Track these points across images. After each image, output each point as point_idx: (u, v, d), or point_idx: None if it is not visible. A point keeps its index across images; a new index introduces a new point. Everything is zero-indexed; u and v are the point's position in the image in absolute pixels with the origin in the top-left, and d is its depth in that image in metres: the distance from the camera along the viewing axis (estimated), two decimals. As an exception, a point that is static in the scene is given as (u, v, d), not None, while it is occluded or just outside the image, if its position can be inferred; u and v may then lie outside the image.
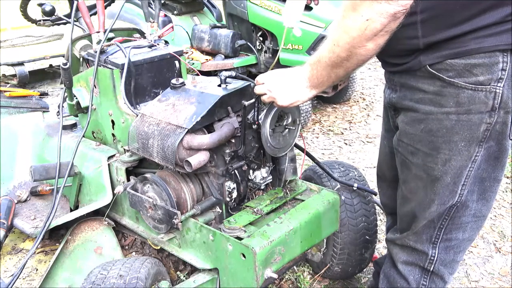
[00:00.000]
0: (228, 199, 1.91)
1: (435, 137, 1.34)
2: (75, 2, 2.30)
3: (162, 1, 4.80)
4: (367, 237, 2.12)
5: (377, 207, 2.89)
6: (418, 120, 1.37)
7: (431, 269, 1.54)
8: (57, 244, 2.42)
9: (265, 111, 1.80)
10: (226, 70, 3.16)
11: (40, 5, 2.51)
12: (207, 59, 4.51)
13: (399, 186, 1.59)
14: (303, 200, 2.02)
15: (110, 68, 2.11)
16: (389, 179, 1.81)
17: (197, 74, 2.20)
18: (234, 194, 1.92)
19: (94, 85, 2.15)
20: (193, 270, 2.18)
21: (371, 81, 5.90)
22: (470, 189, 1.39)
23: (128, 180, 2.06)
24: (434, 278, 1.56)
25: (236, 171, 1.89)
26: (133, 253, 2.42)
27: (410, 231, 1.54)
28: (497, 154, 1.35)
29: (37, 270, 2.28)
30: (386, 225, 2.03)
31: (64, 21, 2.63)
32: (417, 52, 1.30)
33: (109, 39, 2.27)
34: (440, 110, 1.31)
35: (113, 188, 2.09)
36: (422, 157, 1.40)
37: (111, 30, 2.32)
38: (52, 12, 2.52)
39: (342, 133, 4.34)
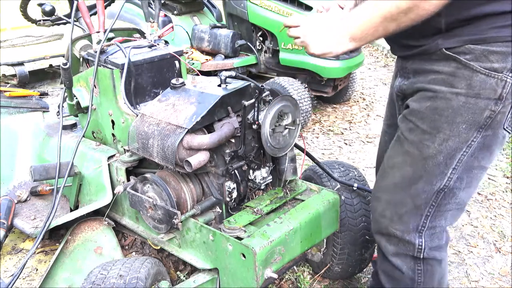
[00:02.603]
0: (228, 199, 1.91)
1: (439, 115, 1.37)
2: (75, 2, 2.30)
3: (162, 1, 4.80)
4: (367, 237, 2.12)
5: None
6: (426, 98, 1.39)
7: (421, 256, 1.55)
8: (57, 244, 2.42)
9: (265, 111, 1.80)
10: (226, 70, 3.16)
11: (40, 5, 2.51)
12: (207, 59, 4.51)
13: (382, 163, 1.59)
14: (303, 200, 2.02)
15: (110, 68, 2.11)
16: None
17: (197, 74, 2.20)
18: (234, 194, 1.92)
19: (94, 85, 2.15)
20: (193, 270, 2.18)
21: (371, 81, 5.90)
22: (459, 176, 1.42)
23: (128, 180, 2.06)
24: (428, 261, 1.57)
25: (236, 171, 1.89)
26: (133, 253, 2.42)
27: (395, 215, 1.53)
28: (490, 142, 1.38)
29: (37, 270, 2.28)
30: None
31: (64, 21, 2.63)
32: (437, 35, 1.32)
33: (109, 39, 2.27)
34: (451, 90, 1.33)
35: (113, 188, 2.09)
36: (420, 135, 1.42)
37: (111, 30, 2.32)
38: (52, 12, 2.52)
39: (342, 133, 4.34)
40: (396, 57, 1.61)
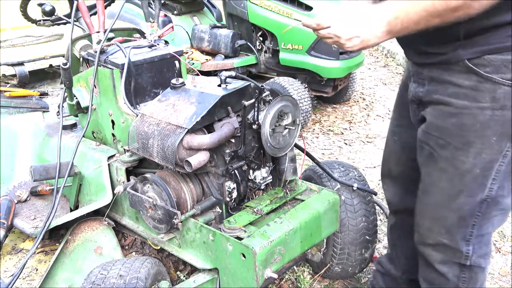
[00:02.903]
0: (228, 199, 1.91)
1: (467, 131, 1.34)
2: (75, 2, 2.30)
3: (162, 1, 4.80)
4: (367, 237, 2.12)
5: (377, 207, 2.90)
6: (450, 114, 1.37)
7: (468, 263, 1.54)
8: (57, 244, 2.42)
9: (265, 111, 1.80)
10: (226, 70, 3.16)
11: (40, 5, 2.51)
12: (207, 59, 4.51)
13: (421, 181, 1.57)
14: (303, 200, 2.02)
15: (110, 68, 2.11)
16: (395, 175, 1.80)
17: (197, 74, 2.20)
18: (234, 194, 1.92)
19: (94, 85, 2.15)
20: (193, 270, 2.18)
21: (371, 81, 5.89)
22: (500, 185, 1.40)
23: (128, 180, 2.06)
24: (473, 268, 1.56)
25: (236, 171, 1.89)
26: (133, 253, 2.42)
27: (442, 228, 1.52)
28: None
29: (37, 270, 2.28)
30: (388, 223, 2.03)
31: (64, 21, 2.63)
32: (456, 43, 1.30)
33: (109, 39, 2.27)
34: (475, 104, 1.31)
35: (113, 188, 2.09)
36: (452, 151, 1.40)
37: (111, 30, 2.32)
38: (52, 12, 2.52)
39: (342, 133, 4.34)
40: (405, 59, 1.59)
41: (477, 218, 1.46)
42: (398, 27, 1.28)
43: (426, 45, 1.39)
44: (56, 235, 2.48)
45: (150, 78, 2.18)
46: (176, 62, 2.26)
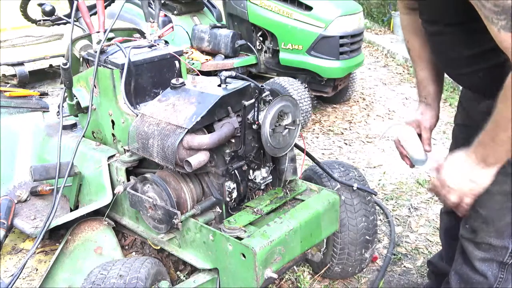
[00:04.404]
0: (228, 199, 1.91)
1: None
2: (75, 2, 2.30)
3: (162, 1, 4.80)
4: (367, 237, 2.12)
5: (377, 207, 2.90)
6: None
7: (510, 261, 1.53)
8: (57, 244, 2.42)
9: (265, 111, 1.80)
10: (226, 70, 3.16)
11: (40, 5, 2.51)
12: (207, 59, 4.51)
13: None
14: (303, 200, 2.02)
15: (110, 68, 2.11)
16: None
17: (197, 74, 2.21)
18: (234, 194, 1.92)
19: (94, 85, 2.15)
20: (193, 270, 2.18)
21: (371, 81, 5.90)
22: None
23: (128, 180, 2.06)
24: (510, 268, 1.56)
25: (236, 171, 1.89)
26: (133, 253, 2.42)
27: (492, 228, 1.50)
28: None
29: (37, 270, 2.28)
30: (441, 223, 1.99)
31: (64, 21, 2.63)
32: None
33: (109, 39, 2.27)
34: None
35: (113, 188, 2.09)
36: None
37: (111, 30, 2.32)
38: (52, 12, 2.52)
39: (342, 133, 4.34)
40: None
41: None
42: (493, 161, 1.30)
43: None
44: (56, 235, 2.48)
45: (150, 78, 2.18)
46: (176, 62, 2.26)
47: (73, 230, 2.20)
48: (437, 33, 1.45)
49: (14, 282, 1.74)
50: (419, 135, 1.67)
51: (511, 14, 1.07)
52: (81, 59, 2.35)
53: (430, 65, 1.65)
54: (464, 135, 1.61)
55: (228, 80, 1.84)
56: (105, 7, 2.54)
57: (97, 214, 2.25)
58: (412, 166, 1.70)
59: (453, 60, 1.45)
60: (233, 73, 1.83)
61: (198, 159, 1.70)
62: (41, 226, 1.97)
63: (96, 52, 2.15)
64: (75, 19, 2.31)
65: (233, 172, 1.88)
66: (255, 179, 1.98)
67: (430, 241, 2.71)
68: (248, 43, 4.57)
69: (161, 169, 2.00)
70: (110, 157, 2.15)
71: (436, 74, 1.66)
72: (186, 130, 1.69)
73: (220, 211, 1.92)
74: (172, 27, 2.42)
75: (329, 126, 4.50)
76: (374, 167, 3.66)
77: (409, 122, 1.70)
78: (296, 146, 2.11)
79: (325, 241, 2.13)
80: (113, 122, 2.18)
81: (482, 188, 1.35)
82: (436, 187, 1.43)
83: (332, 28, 4.13)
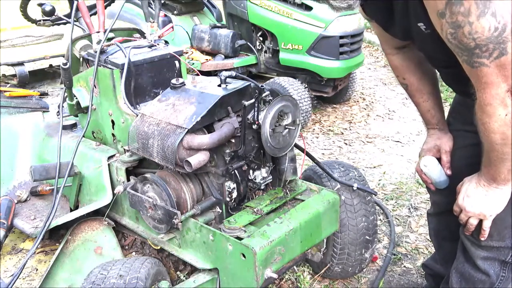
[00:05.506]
0: (228, 199, 1.91)
1: None
2: (75, 2, 2.30)
3: (162, 1, 4.81)
4: (367, 237, 2.12)
5: (377, 207, 2.90)
6: None
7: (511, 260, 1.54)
8: (57, 244, 2.42)
9: (265, 111, 1.80)
10: (226, 70, 3.16)
11: (40, 5, 2.50)
12: (207, 59, 4.51)
13: None
14: (303, 200, 2.02)
15: (110, 68, 2.11)
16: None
17: (197, 74, 2.21)
18: (234, 194, 1.91)
19: (94, 85, 2.15)
20: (193, 270, 2.18)
21: (371, 81, 5.89)
22: None
23: (128, 180, 2.06)
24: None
25: (236, 171, 1.89)
26: (133, 253, 2.42)
27: (494, 231, 1.51)
28: None
29: (37, 270, 2.28)
30: (430, 225, 2.01)
31: (64, 21, 2.63)
32: None
33: (109, 39, 2.27)
34: None
35: (113, 188, 2.09)
36: None
37: (111, 30, 2.32)
38: (52, 12, 2.52)
39: (342, 133, 4.34)
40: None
41: None
42: (502, 179, 1.34)
43: None
44: (56, 235, 2.48)
45: (150, 78, 2.18)
46: (176, 62, 2.26)
47: (73, 230, 2.20)
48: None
49: (14, 282, 1.74)
50: (438, 159, 1.72)
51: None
52: (81, 59, 2.35)
53: (432, 95, 1.71)
54: (470, 140, 1.63)
55: (228, 80, 1.84)
56: (105, 7, 2.53)
57: (97, 214, 2.25)
58: (435, 189, 1.76)
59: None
60: (233, 73, 1.83)
61: (198, 159, 1.70)
62: (41, 226, 1.97)
63: (96, 52, 2.15)
64: (75, 19, 2.31)
65: (233, 172, 1.88)
66: (255, 179, 1.98)
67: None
68: (248, 43, 4.57)
69: (161, 169, 2.00)
70: (110, 157, 2.15)
71: (439, 102, 1.74)
72: (186, 130, 1.69)
73: (220, 211, 1.92)
74: (172, 27, 2.42)
75: (329, 126, 4.50)
76: (374, 167, 3.66)
77: (428, 149, 1.76)
78: (296, 146, 2.11)
79: (325, 241, 2.13)
80: (113, 122, 2.18)
81: (502, 207, 1.40)
82: (456, 212, 1.51)
83: (332, 28, 4.14)
